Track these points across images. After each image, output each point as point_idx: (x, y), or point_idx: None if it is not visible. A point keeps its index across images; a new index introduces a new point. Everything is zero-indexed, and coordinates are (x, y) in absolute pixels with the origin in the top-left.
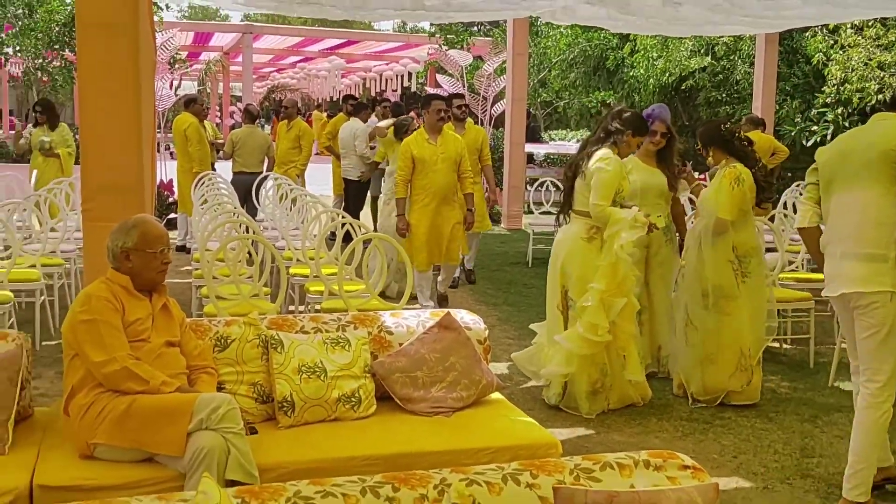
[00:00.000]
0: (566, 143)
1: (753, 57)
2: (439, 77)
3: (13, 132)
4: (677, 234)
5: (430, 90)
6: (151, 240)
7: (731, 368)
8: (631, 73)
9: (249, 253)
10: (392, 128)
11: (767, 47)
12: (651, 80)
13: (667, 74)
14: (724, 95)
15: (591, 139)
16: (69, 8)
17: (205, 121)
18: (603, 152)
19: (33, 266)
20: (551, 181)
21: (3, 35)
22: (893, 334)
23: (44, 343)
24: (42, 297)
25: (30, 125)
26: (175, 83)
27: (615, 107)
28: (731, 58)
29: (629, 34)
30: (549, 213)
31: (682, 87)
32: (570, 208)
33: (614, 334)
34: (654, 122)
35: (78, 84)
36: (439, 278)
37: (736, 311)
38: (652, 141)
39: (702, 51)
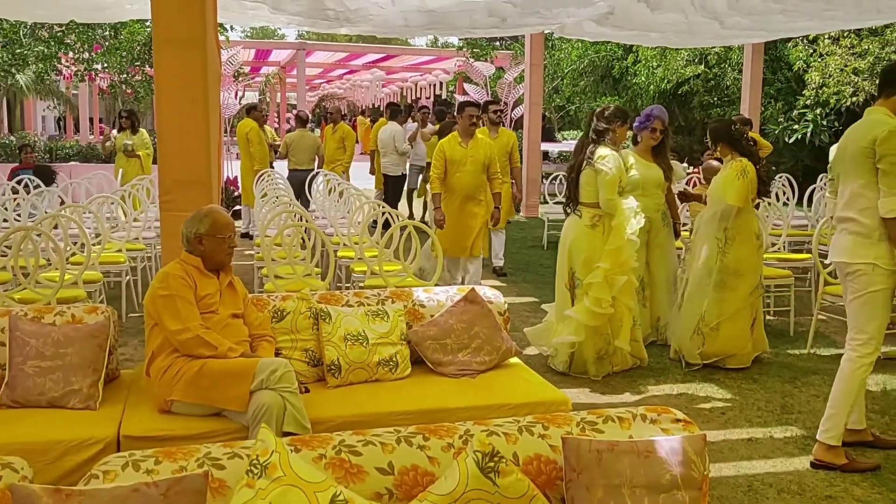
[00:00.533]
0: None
1: (742, 65)
2: (466, 86)
3: (101, 137)
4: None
5: (459, 97)
6: (220, 227)
7: (690, 332)
8: (634, 81)
9: (303, 238)
10: (436, 134)
11: (754, 56)
12: (651, 86)
13: (665, 81)
14: (715, 99)
15: (585, 141)
16: (149, 30)
17: (264, 125)
18: (602, 151)
19: (119, 251)
20: (564, 175)
21: (93, 54)
22: (874, 299)
23: (129, 315)
24: (127, 277)
25: (115, 130)
26: (239, 93)
27: (596, 109)
28: (722, 66)
29: (632, 46)
30: (562, 202)
31: (679, 92)
32: (577, 201)
33: (615, 307)
34: (655, 120)
35: (155, 94)
36: (468, 277)
37: (722, 284)
38: (652, 137)
39: (696, 60)
